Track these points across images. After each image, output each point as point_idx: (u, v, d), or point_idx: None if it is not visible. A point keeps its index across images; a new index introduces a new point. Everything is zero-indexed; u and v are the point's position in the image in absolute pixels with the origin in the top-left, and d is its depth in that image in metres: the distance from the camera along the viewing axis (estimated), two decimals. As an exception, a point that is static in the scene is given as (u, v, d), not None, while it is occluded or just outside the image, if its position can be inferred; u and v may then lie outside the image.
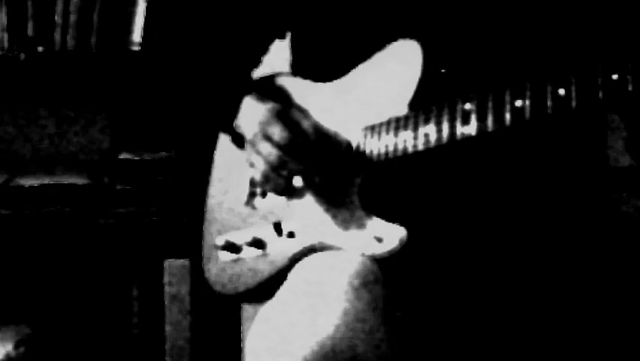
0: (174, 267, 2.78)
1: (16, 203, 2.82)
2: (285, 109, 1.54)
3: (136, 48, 2.85)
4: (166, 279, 2.79)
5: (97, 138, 3.04)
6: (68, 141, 3.06)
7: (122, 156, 2.89)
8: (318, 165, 1.51)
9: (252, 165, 1.57)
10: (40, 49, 2.85)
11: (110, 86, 2.96)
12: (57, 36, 2.85)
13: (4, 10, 2.84)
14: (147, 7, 2.81)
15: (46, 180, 2.85)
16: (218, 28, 1.73)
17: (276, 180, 1.52)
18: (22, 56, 2.85)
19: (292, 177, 1.52)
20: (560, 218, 1.48)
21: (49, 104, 3.03)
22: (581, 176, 1.51)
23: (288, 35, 1.72)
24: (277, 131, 1.50)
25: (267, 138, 1.51)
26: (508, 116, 1.32)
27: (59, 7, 2.84)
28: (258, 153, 1.53)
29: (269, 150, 1.51)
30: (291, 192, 1.54)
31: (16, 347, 2.75)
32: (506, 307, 1.47)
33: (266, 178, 1.53)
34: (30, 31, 2.85)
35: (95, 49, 2.85)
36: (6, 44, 2.84)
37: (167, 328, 2.79)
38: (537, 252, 1.47)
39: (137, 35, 2.85)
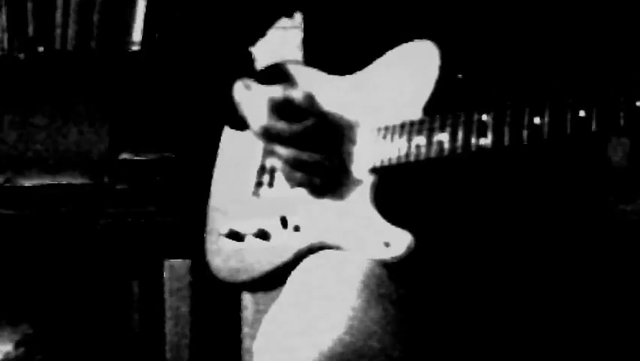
0: (174, 267, 2.78)
1: (16, 203, 2.82)
2: (277, 95, 1.53)
3: (136, 48, 2.85)
4: (166, 279, 2.79)
5: (97, 138, 3.04)
6: (68, 141, 3.06)
7: (122, 156, 2.88)
8: (324, 144, 1.50)
9: (273, 165, 1.58)
10: (40, 49, 2.85)
11: (110, 86, 2.96)
12: (57, 36, 2.85)
13: (4, 10, 2.84)
14: (147, 7, 2.81)
15: (46, 180, 2.85)
16: (218, 28, 1.73)
17: (299, 176, 1.52)
18: (22, 56, 2.84)
19: (311, 168, 1.51)
20: (560, 219, 1.48)
21: (49, 104, 3.03)
22: (580, 177, 1.51)
23: (298, 16, 1.70)
24: (281, 129, 1.50)
25: (275, 138, 1.51)
26: (525, 133, 1.31)
27: (59, 7, 2.84)
28: (274, 154, 1.53)
29: (282, 151, 1.51)
30: (319, 185, 1.53)
31: (16, 347, 2.75)
32: (511, 310, 1.47)
33: (288, 177, 1.53)
34: (30, 31, 2.85)
35: (95, 49, 2.85)
36: (6, 44, 2.84)
37: (168, 328, 2.79)
38: (540, 255, 1.47)
39: (137, 35, 2.85)
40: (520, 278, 1.46)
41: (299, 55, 1.70)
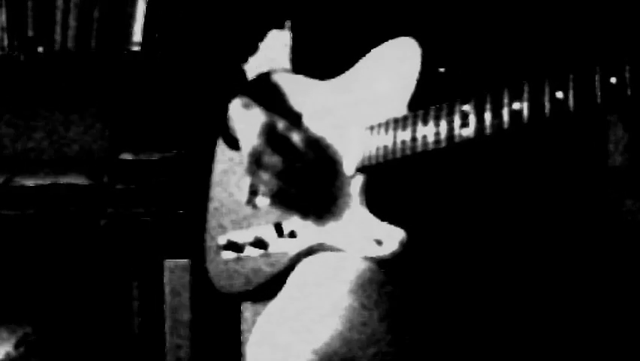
0: (174, 267, 2.78)
1: (16, 203, 2.82)
2: (277, 126, 1.54)
3: (136, 48, 2.85)
4: (166, 279, 2.79)
5: (97, 138, 3.04)
6: (68, 140, 3.06)
7: (122, 156, 2.89)
8: (316, 180, 1.51)
9: (257, 187, 1.60)
10: (40, 49, 2.85)
11: (110, 86, 2.96)
12: (57, 36, 2.85)
13: (4, 10, 2.84)
14: (147, 7, 2.81)
15: (46, 180, 2.85)
16: (218, 28, 1.73)
17: (284, 205, 1.54)
18: (22, 56, 2.85)
19: (297, 202, 1.53)
20: (559, 218, 1.48)
21: (49, 104, 3.03)
22: (580, 176, 1.51)
23: (287, 26, 1.71)
24: (272, 161, 1.51)
25: (265, 167, 1.52)
26: (506, 118, 1.32)
27: (59, 7, 2.84)
28: (259, 180, 1.54)
29: (269, 181, 1.52)
30: (305, 209, 1.54)
31: (16, 347, 2.75)
32: (507, 308, 1.47)
33: (275, 202, 1.55)
34: (30, 31, 2.85)
35: (95, 49, 2.85)
36: (6, 44, 2.84)
37: (167, 328, 2.79)
38: (537, 253, 1.47)
39: (137, 35, 2.85)
40: (518, 276, 1.47)
41: (287, 61, 1.71)
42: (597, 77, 1.23)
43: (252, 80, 1.71)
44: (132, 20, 2.84)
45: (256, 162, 1.53)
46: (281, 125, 1.54)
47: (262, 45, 1.75)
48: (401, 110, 1.43)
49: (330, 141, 1.53)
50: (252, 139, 1.54)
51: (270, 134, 1.53)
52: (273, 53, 1.77)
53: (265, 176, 1.52)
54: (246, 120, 1.57)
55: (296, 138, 1.52)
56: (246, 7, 1.73)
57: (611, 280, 1.47)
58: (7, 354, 2.73)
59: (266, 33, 1.76)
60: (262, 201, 1.65)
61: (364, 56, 1.51)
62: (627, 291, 1.46)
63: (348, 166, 1.49)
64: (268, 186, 1.53)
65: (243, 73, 1.73)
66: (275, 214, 1.59)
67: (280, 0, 1.69)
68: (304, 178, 1.51)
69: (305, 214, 1.53)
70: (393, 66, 1.45)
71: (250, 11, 1.73)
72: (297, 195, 1.52)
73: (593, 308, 1.45)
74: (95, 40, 2.85)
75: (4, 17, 2.84)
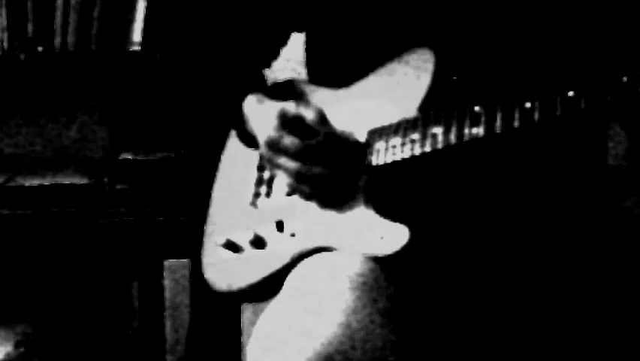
0: (174, 267, 2.78)
1: (16, 203, 2.82)
2: (289, 110, 1.54)
3: (136, 48, 2.85)
4: (166, 279, 2.79)
5: (97, 138, 3.04)
6: (68, 140, 3.06)
7: (122, 156, 2.89)
8: (332, 162, 1.51)
9: (274, 175, 1.59)
10: (40, 49, 2.85)
11: (110, 86, 2.96)
12: (57, 36, 2.85)
13: (4, 10, 2.84)
14: (147, 7, 2.81)
15: (46, 180, 2.85)
16: (218, 28, 1.73)
17: (305, 189, 1.53)
18: (22, 56, 2.85)
19: (319, 183, 1.52)
20: (560, 217, 1.48)
21: (49, 104, 3.03)
22: (579, 175, 1.51)
23: (303, 34, 1.72)
24: (290, 143, 1.51)
25: (282, 151, 1.52)
26: (517, 117, 1.32)
27: (59, 7, 2.84)
28: (278, 167, 1.54)
29: (288, 164, 1.52)
30: (323, 197, 1.54)
31: (16, 347, 2.75)
32: (507, 307, 1.47)
33: (294, 189, 1.54)
34: (30, 31, 2.85)
35: (95, 49, 2.85)
36: (6, 44, 2.84)
37: (167, 328, 2.79)
38: (537, 251, 1.47)
39: (137, 35, 2.85)
40: (518, 276, 1.47)
41: (302, 71, 1.72)
42: (609, 76, 1.25)
43: (273, 85, 1.72)
44: (132, 20, 2.84)
45: (275, 150, 1.53)
46: (292, 106, 1.54)
47: (284, 51, 1.76)
48: (412, 114, 1.44)
49: (343, 139, 1.53)
50: (268, 129, 1.54)
51: (283, 118, 1.53)
52: (292, 61, 1.77)
53: (285, 161, 1.52)
54: (261, 113, 1.58)
55: (308, 114, 1.52)
56: (248, 5, 1.73)
57: (609, 278, 1.47)
58: (7, 354, 2.73)
59: (284, 37, 1.76)
60: (264, 202, 1.65)
61: (379, 65, 1.52)
62: (626, 289, 1.47)
63: (357, 167, 1.49)
64: (291, 171, 1.52)
65: (258, 74, 1.74)
66: (276, 215, 1.60)
67: (292, 6, 1.69)
68: (320, 157, 1.51)
69: (321, 202, 1.53)
70: (408, 74, 1.47)
71: (253, 9, 1.73)
72: (323, 173, 1.51)
73: (591, 306, 1.45)
74: (95, 40, 2.85)
75: (4, 17, 2.84)
